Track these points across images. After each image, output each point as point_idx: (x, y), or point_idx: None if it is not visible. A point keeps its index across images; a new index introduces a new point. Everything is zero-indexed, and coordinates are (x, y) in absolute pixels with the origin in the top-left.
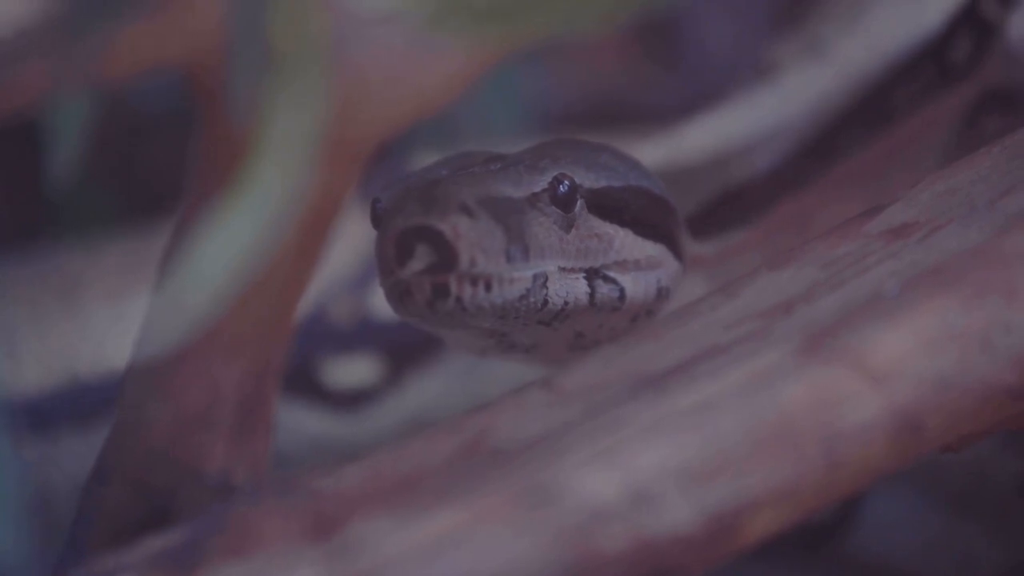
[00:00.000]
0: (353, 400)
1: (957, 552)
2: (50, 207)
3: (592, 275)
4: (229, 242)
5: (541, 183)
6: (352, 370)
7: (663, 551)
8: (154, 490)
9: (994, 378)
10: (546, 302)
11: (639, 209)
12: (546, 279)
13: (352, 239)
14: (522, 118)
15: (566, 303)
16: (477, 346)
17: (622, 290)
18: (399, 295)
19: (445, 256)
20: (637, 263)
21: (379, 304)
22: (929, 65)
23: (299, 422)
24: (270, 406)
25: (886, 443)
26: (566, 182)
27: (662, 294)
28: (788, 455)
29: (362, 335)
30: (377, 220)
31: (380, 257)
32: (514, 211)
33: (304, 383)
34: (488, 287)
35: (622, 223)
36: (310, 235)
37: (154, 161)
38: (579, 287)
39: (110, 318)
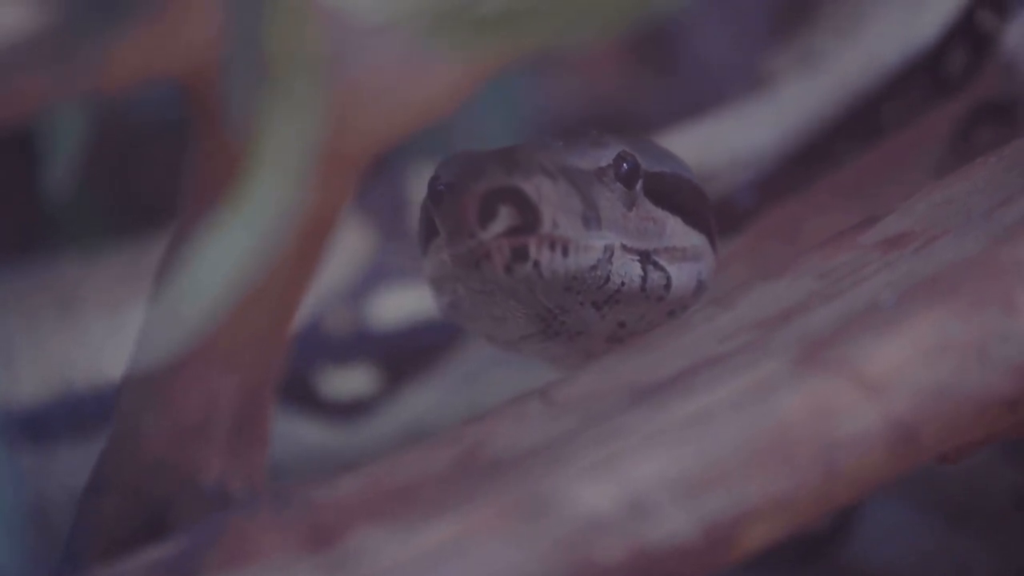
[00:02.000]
0: (350, 410)
1: (954, 563)
2: (47, 218)
3: (644, 259)
4: (226, 253)
5: (607, 158)
6: (349, 380)
7: (660, 561)
8: (151, 500)
9: (991, 388)
10: (608, 279)
11: (686, 198)
12: (612, 253)
13: (349, 250)
14: (519, 127)
15: (623, 283)
16: (520, 333)
17: (669, 278)
18: (474, 260)
19: (528, 217)
20: (684, 252)
21: (376, 314)
22: (924, 76)
23: (296, 432)
24: (267, 416)
25: (883, 453)
26: (630, 159)
27: (700, 288)
28: (785, 465)
29: (359, 345)
30: (438, 195)
31: (454, 222)
32: (585, 181)
33: (301, 393)
34: (565, 252)
35: (672, 209)
36: (307, 246)
37: (151, 172)
38: (635, 269)
39: (107, 329)
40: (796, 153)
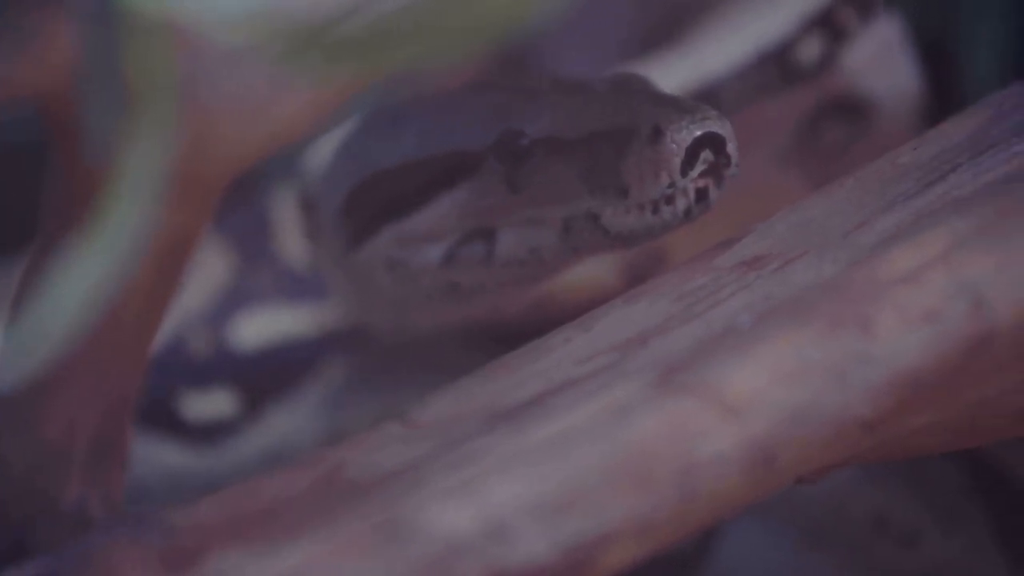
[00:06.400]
0: (211, 433)
1: None
2: None
3: None
4: (83, 276)
5: None
6: (209, 403)
7: None
8: (10, 524)
9: (848, 411)
10: None
11: None
12: None
13: (209, 272)
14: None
15: None
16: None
17: None
18: (654, 206)
19: (722, 160)
20: None
21: (236, 337)
22: (774, 62)
23: (157, 455)
24: (125, 439)
25: (740, 475)
26: None
27: None
28: (643, 487)
29: (219, 368)
30: (522, 151)
31: (646, 171)
32: None
33: (162, 416)
34: (722, 186)
35: None
36: (165, 268)
37: (9, 195)
38: None
39: None
40: None
